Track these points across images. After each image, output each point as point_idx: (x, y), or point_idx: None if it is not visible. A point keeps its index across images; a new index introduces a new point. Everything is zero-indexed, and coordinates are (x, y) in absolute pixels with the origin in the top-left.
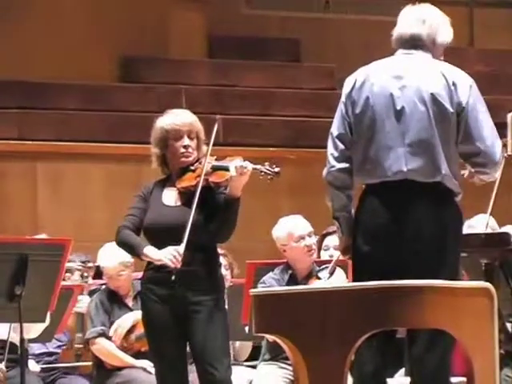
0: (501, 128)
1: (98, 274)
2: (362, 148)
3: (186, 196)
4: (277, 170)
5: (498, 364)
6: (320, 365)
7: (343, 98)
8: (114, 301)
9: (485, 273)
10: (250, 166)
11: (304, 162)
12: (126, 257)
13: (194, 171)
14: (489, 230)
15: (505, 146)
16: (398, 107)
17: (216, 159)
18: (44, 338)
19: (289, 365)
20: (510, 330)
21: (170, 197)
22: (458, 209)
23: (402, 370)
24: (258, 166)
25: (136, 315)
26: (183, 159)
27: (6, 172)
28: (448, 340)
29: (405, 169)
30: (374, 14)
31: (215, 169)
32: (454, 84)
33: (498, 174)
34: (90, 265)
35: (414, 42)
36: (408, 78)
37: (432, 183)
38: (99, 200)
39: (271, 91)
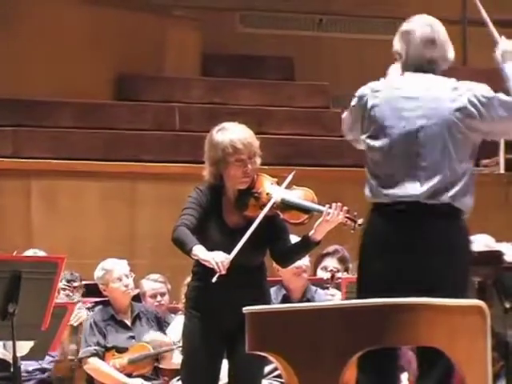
0: (493, 147)
1: (91, 291)
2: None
3: (250, 223)
4: (360, 221)
5: (491, 382)
6: (313, 383)
7: None
8: (110, 320)
9: (478, 291)
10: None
11: (298, 180)
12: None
13: (257, 199)
14: (484, 248)
15: (497, 164)
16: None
17: (277, 182)
18: (37, 355)
19: (282, 383)
20: None
21: (232, 218)
22: (466, 227)
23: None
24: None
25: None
26: (243, 184)
27: (0, 189)
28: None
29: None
30: (367, 32)
31: (290, 206)
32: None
33: None
34: (76, 284)
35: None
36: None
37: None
38: (94, 217)
39: (265, 109)
